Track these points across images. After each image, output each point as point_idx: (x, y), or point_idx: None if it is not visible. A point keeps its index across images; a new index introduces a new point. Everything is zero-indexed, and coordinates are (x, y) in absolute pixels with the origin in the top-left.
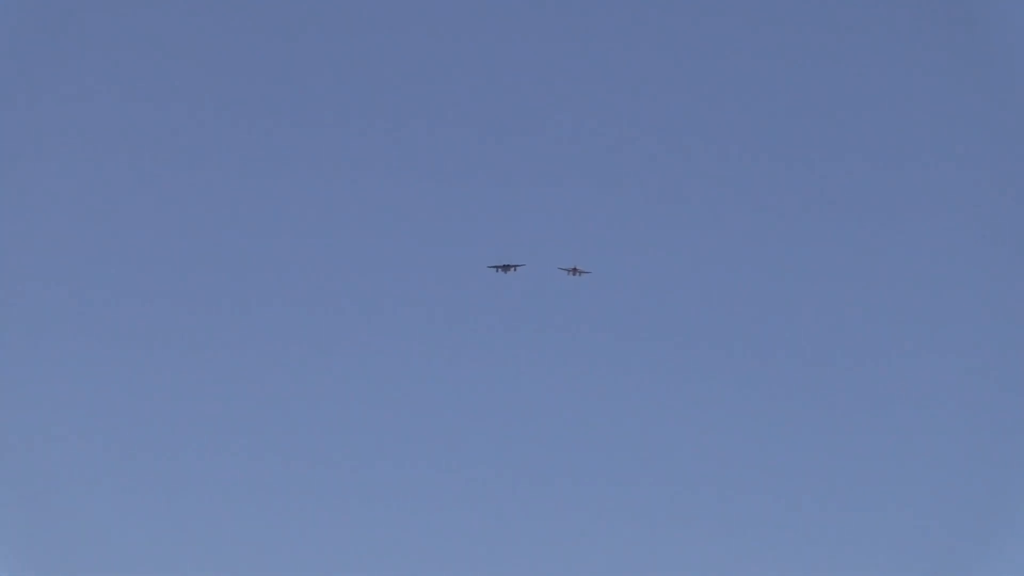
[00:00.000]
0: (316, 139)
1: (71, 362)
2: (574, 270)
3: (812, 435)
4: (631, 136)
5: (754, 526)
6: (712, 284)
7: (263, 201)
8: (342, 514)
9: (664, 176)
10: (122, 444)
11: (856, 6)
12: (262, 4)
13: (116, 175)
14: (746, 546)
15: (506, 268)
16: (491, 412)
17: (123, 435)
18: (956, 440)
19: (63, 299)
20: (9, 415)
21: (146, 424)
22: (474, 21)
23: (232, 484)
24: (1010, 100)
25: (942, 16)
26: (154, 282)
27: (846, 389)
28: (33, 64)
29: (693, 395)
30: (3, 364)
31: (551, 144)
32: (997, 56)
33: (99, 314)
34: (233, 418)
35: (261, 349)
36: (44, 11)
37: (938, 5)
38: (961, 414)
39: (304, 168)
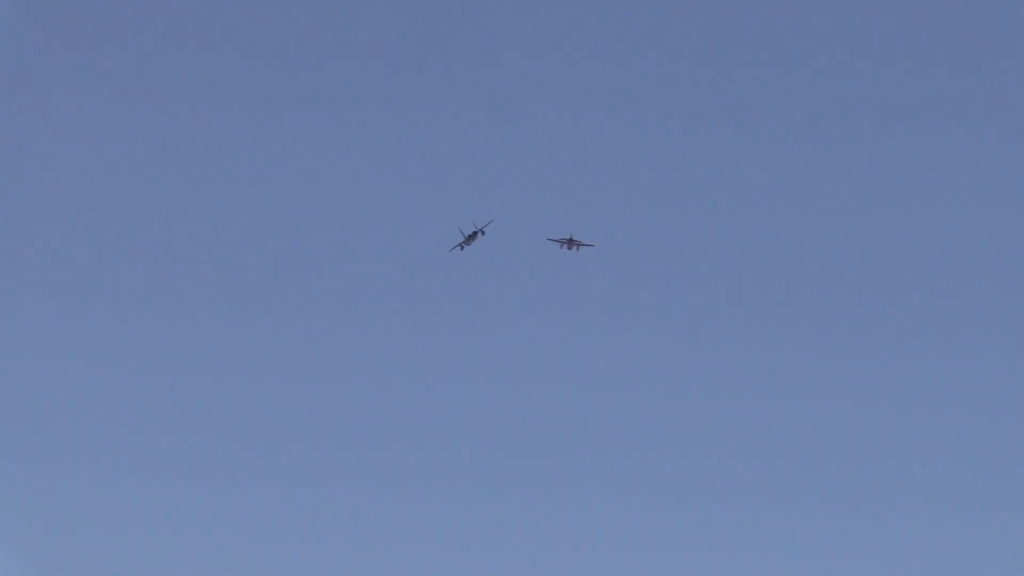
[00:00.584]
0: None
1: (71, 362)
2: (570, 242)
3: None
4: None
5: (755, 517)
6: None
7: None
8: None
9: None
10: (121, 443)
11: None
12: None
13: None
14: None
15: (472, 237)
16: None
17: (123, 435)
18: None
19: (63, 299)
20: (9, 415)
21: (146, 423)
22: None
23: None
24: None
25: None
26: (150, 283)
27: (858, 377)
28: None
29: (695, 390)
30: (3, 364)
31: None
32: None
33: (99, 314)
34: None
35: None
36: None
37: None
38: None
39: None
